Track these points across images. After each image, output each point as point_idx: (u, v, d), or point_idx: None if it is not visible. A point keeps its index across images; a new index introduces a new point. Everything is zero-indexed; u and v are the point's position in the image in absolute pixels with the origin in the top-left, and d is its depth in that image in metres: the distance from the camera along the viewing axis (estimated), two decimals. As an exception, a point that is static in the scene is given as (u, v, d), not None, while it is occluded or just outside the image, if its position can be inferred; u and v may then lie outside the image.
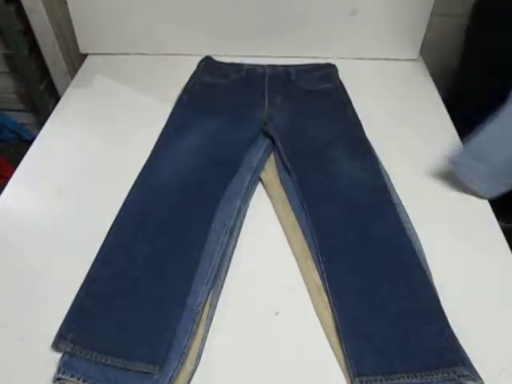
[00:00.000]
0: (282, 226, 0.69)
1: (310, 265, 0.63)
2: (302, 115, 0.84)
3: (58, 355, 0.54)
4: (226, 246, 0.65)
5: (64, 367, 0.52)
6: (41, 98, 1.22)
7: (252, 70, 0.93)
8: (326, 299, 0.59)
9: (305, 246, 0.65)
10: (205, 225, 0.66)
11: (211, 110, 0.85)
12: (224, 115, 0.84)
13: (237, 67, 0.94)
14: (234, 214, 0.68)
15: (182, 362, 0.53)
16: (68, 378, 0.52)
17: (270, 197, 0.73)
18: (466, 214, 0.72)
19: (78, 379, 0.51)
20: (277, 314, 0.59)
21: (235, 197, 0.70)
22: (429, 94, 0.96)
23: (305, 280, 0.62)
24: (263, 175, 0.76)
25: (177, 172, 0.73)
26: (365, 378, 0.52)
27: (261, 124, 0.82)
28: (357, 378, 0.52)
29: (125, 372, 0.52)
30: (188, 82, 0.91)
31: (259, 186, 0.75)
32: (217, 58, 0.98)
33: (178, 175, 0.73)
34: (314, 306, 0.60)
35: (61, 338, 0.54)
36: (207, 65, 0.95)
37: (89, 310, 0.57)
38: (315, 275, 0.62)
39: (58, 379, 0.52)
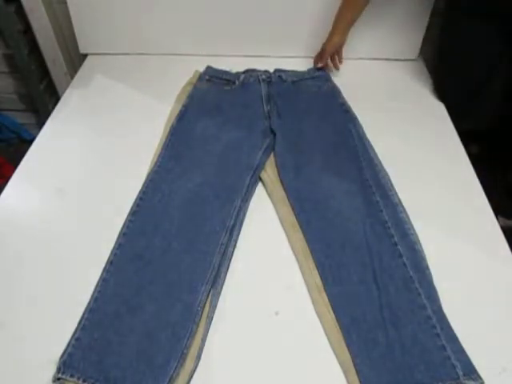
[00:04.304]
0: (282, 226, 0.69)
1: (310, 265, 0.63)
2: (301, 121, 0.84)
3: (58, 355, 0.53)
4: (226, 246, 0.65)
5: (64, 367, 0.52)
6: (41, 98, 1.22)
7: (248, 78, 0.92)
8: (326, 299, 0.59)
9: (305, 245, 0.65)
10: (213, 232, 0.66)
11: (212, 122, 0.84)
12: (226, 126, 0.83)
13: (233, 77, 0.92)
14: (234, 214, 0.68)
15: (181, 362, 0.53)
16: (68, 377, 0.52)
17: (270, 196, 0.73)
18: (466, 214, 0.72)
19: (78, 379, 0.52)
20: (277, 313, 0.59)
21: (235, 197, 0.70)
22: (428, 94, 0.96)
23: (305, 280, 0.62)
24: (263, 175, 0.76)
25: (187, 184, 0.73)
26: None
27: (262, 132, 0.82)
28: None
29: (124, 372, 0.52)
30: (187, 95, 0.90)
31: (259, 186, 0.75)
32: (217, 58, 0.99)
33: (188, 186, 0.73)
34: (313, 306, 0.59)
35: (64, 364, 0.53)
36: (204, 77, 0.94)
37: (93, 336, 0.56)
38: (315, 275, 0.62)
39: (58, 379, 0.52)
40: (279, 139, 0.79)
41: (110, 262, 0.62)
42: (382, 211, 0.68)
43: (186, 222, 0.67)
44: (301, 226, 0.67)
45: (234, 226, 0.67)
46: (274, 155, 0.78)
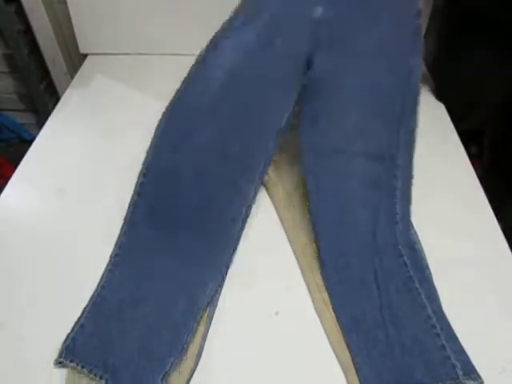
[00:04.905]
0: (283, 226, 0.69)
1: (310, 265, 0.63)
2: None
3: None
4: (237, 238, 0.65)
5: (66, 352, 0.53)
6: (41, 98, 1.22)
7: None
8: (327, 298, 0.59)
9: (305, 245, 0.65)
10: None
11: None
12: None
13: None
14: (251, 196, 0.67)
15: (179, 358, 0.53)
16: (68, 362, 0.52)
17: (271, 196, 0.73)
18: (466, 214, 0.72)
19: (77, 364, 0.52)
20: (277, 313, 0.59)
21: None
22: (428, 94, 0.96)
23: (305, 280, 0.62)
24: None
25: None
26: None
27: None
28: None
29: (123, 363, 0.53)
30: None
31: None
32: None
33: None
34: (314, 305, 0.59)
35: (66, 349, 0.54)
36: None
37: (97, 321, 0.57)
38: (315, 274, 0.62)
39: (60, 363, 0.53)
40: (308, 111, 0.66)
41: (115, 253, 0.62)
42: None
43: (196, 209, 0.65)
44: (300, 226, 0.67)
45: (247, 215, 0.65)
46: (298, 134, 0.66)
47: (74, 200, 0.73)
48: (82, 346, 0.54)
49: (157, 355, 0.53)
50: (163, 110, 0.87)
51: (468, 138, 0.87)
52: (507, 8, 0.74)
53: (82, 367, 0.52)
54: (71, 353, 0.53)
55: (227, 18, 1.00)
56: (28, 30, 1.09)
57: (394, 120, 0.65)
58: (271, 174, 0.75)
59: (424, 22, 0.99)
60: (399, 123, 0.65)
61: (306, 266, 0.63)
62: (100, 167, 0.79)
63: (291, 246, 0.66)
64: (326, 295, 0.60)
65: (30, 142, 0.84)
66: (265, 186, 0.75)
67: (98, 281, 0.60)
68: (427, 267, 0.62)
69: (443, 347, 0.53)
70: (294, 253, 0.65)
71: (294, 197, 0.71)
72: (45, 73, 1.19)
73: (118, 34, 1.04)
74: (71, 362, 0.52)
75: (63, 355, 0.53)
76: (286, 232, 0.68)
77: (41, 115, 1.25)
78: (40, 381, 0.52)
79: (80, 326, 0.55)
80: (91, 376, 0.52)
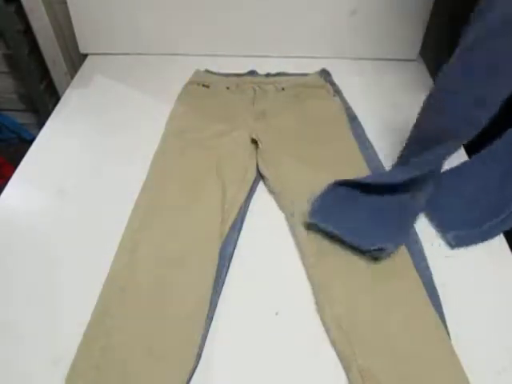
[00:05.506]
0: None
1: (311, 262, 0.63)
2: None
3: (58, 355, 0.53)
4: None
5: (311, 214, 0.63)
6: (41, 98, 1.22)
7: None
8: (328, 296, 0.59)
9: (306, 240, 0.65)
10: None
11: None
12: None
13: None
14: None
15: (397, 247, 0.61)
16: (316, 222, 0.62)
17: (272, 193, 0.73)
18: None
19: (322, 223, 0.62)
20: (277, 313, 0.59)
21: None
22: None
23: (308, 277, 0.62)
24: (264, 171, 0.75)
25: None
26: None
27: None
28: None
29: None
30: None
31: (260, 183, 0.75)
32: (217, 58, 0.99)
33: None
34: (315, 302, 0.59)
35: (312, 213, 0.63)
36: None
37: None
38: (317, 273, 0.62)
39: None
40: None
41: None
42: None
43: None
44: None
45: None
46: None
47: (75, 200, 0.73)
48: (325, 210, 0.63)
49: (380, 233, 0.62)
50: (163, 109, 0.87)
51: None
52: None
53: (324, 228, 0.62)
54: (316, 215, 0.62)
55: (227, 18, 1.00)
56: (28, 29, 1.09)
57: None
58: (272, 170, 0.74)
59: (424, 24, 0.99)
60: None
61: (308, 265, 0.63)
62: (100, 167, 0.79)
63: (294, 239, 0.66)
64: (327, 292, 0.59)
65: (30, 141, 0.84)
66: (265, 182, 0.75)
67: (97, 281, 0.60)
68: (428, 267, 0.62)
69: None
70: (297, 245, 0.66)
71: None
72: (45, 73, 1.19)
73: (118, 34, 1.04)
74: (317, 221, 0.62)
75: (311, 217, 0.62)
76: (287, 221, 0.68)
77: (41, 115, 1.25)
78: (40, 381, 0.53)
79: (324, 195, 0.64)
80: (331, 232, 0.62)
